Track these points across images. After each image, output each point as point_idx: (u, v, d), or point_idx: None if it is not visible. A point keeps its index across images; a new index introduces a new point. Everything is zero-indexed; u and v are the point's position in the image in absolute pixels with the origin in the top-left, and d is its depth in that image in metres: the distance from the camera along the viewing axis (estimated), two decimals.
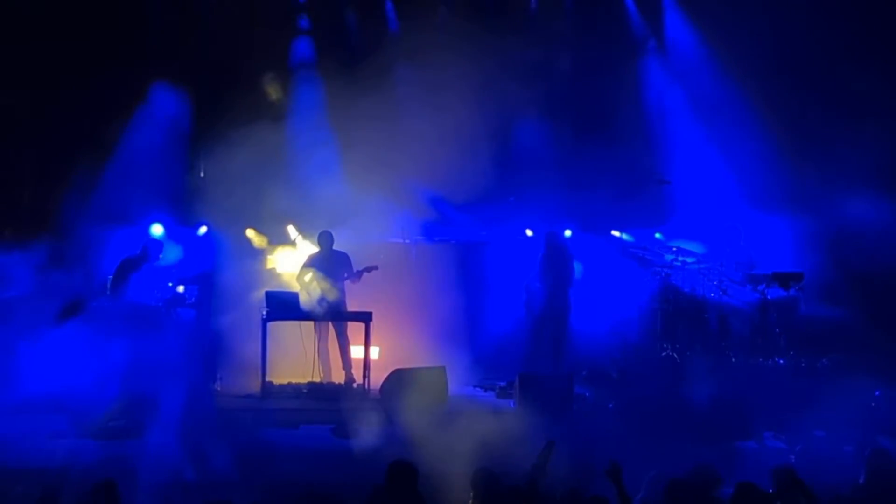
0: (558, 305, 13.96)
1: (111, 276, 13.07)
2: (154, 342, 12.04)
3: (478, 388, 13.96)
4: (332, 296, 13.32)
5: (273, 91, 15.42)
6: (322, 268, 13.45)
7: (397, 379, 12.50)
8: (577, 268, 14.45)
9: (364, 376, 13.14)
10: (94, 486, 7.56)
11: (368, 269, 13.52)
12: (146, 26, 14.75)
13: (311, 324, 13.54)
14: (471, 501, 8.03)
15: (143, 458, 10.10)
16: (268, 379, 13.04)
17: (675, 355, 13.70)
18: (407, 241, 15.34)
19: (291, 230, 14.68)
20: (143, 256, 13.03)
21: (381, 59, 15.72)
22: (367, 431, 11.29)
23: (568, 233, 15.02)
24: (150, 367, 11.65)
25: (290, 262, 14.53)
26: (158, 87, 14.80)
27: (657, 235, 15.20)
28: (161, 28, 14.70)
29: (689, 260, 14.40)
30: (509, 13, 15.65)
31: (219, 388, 13.03)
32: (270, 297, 13.23)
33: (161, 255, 13.22)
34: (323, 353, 13.56)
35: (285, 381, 13.47)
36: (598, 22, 15.95)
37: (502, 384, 13.56)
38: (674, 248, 14.50)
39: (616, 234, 15.20)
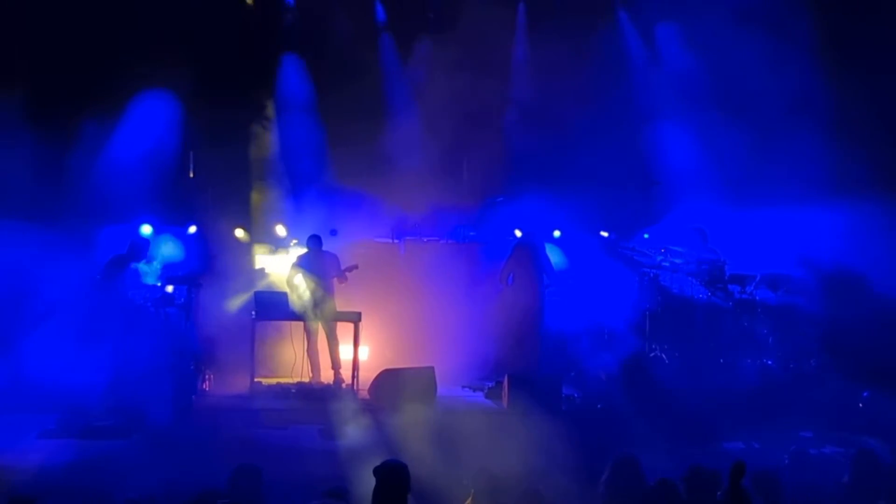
0: (527, 304, 13.93)
1: (99, 276, 13.03)
2: (142, 342, 12.03)
3: (466, 389, 13.95)
4: (321, 296, 13.31)
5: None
6: (311, 268, 13.43)
7: (386, 379, 12.51)
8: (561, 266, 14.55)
9: (353, 377, 13.12)
10: None
11: (349, 269, 13.51)
12: (138, 26, 14.71)
13: (300, 324, 13.54)
14: (469, 501, 8.05)
15: (130, 459, 10.12)
16: (256, 379, 13.02)
17: (664, 356, 13.72)
18: (396, 241, 15.36)
19: (280, 229, 14.69)
20: (130, 255, 12.98)
21: (370, 60, 15.79)
22: (354, 432, 11.29)
23: (557, 233, 15.06)
24: (138, 368, 11.64)
25: (278, 262, 14.54)
26: (150, 86, 14.78)
27: (646, 236, 15.23)
28: (153, 28, 14.65)
29: (677, 261, 14.42)
30: (496, 17, 15.64)
31: (207, 389, 13.00)
32: (259, 296, 13.23)
33: (148, 253, 13.17)
34: (312, 354, 13.54)
35: (274, 382, 13.47)
36: (589, 23, 15.95)
37: (491, 384, 13.55)
38: (662, 249, 14.53)
39: (604, 234, 15.21)
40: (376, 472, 6.89)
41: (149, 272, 13.26)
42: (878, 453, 8.86)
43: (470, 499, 8.03)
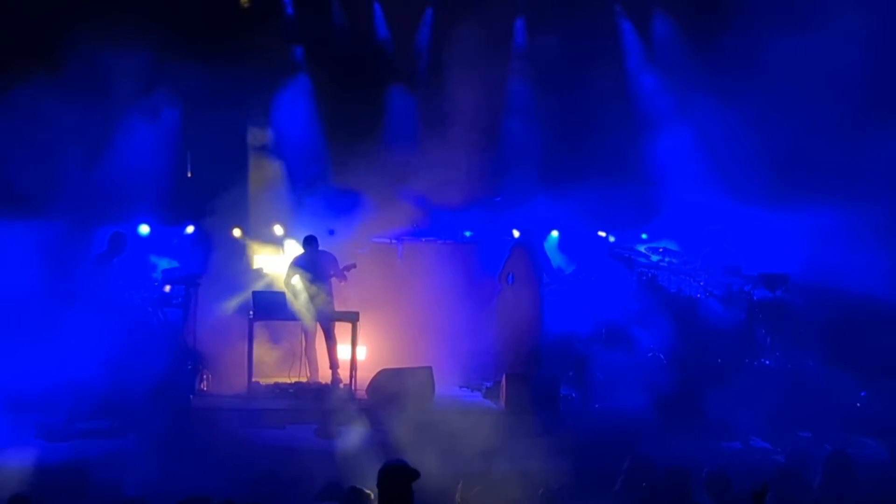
0: (527, 304, 13.91)
1: (85, 274, 13.01)
2: (139, 342, 12.03)
3: (464, 389, 13.97)
4: (319, 296, 13.32)
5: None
6: (309, 268, 13.44)
7: (384, 379, 12.51)
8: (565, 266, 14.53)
9: (350, 376, 13.11)
10: None
11: (347, 268, 13.52)
12: (138, 26, 14.69)
13: (297, 324, 13.54)
14: (458, 496, 8.05)
15: (127, 459, 10.12)
16: (254, 379, 13.03)
17: (662, 356, 13.72)
18: (394, 241, 15.36)
19: (278, 229, 14.69)
20: (111, 250, 12.98)
21: (370, 60, 15.78)
22: (352, 432, 11.30)
23: (555, 233, 15.06)
24: (136, 367, 11.64)
25: (276, 262, 14.54)
26: (148, 88, 14.78)
27: (644, 236, 15.23)
28: (154, 28, 14.64)
29: (674, 261, 14.42)
30: (495, 16, 15.65)
31: (205, 388, 13.00)
32: (257, 296, 13.23)
33: (127, 247, 13.15)
34: (310, 353, 13.55)
35: (272, 381, 13.46)
36: (587, 23, 15.95)
37: (489, 384, 13.56)
38: (660, 249, 14.53)
39: (602, 234, 15.22)
40: (379, 474, 6.84)
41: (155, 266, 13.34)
42: (851, 455, 8.86)
43: (459, 493, 8.03)
